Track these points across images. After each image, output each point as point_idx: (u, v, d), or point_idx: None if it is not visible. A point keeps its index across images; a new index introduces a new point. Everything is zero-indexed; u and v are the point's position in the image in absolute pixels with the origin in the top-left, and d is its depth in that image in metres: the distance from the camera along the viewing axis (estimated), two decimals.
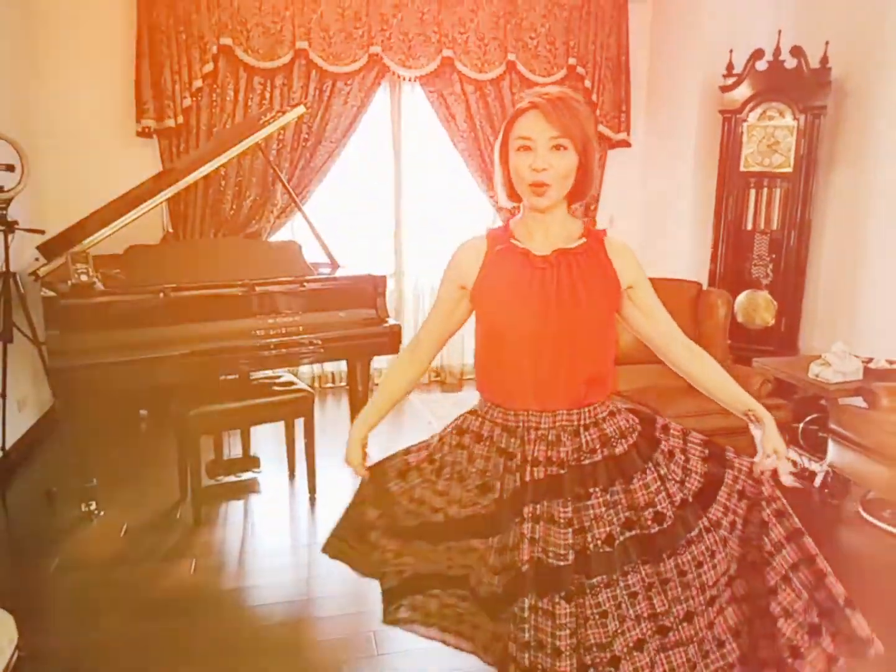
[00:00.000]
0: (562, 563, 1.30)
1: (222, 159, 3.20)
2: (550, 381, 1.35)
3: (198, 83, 4.04)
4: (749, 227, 4.11)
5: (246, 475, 3.32)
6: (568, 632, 1.27)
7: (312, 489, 3.20)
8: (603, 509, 1.33)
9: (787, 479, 1.41)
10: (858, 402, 3.18)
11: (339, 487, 3.31)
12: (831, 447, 3.17)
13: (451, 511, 1.46)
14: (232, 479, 3.29)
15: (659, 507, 1.35)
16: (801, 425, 3.55)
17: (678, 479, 1.39)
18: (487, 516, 1.40)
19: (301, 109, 3.41)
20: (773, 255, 4.07)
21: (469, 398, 1.55)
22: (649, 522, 1.34)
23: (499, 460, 1.39)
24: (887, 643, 2.25)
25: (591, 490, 1.34)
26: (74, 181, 3.99)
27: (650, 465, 1.38)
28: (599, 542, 1.32)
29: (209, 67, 4.04)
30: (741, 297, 4.14)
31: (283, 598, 2.48)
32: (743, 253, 4.15)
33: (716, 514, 1.39)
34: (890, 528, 2.91)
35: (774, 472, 1.41)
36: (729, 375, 1.49)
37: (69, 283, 2.83)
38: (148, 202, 3.09)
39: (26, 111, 3.85)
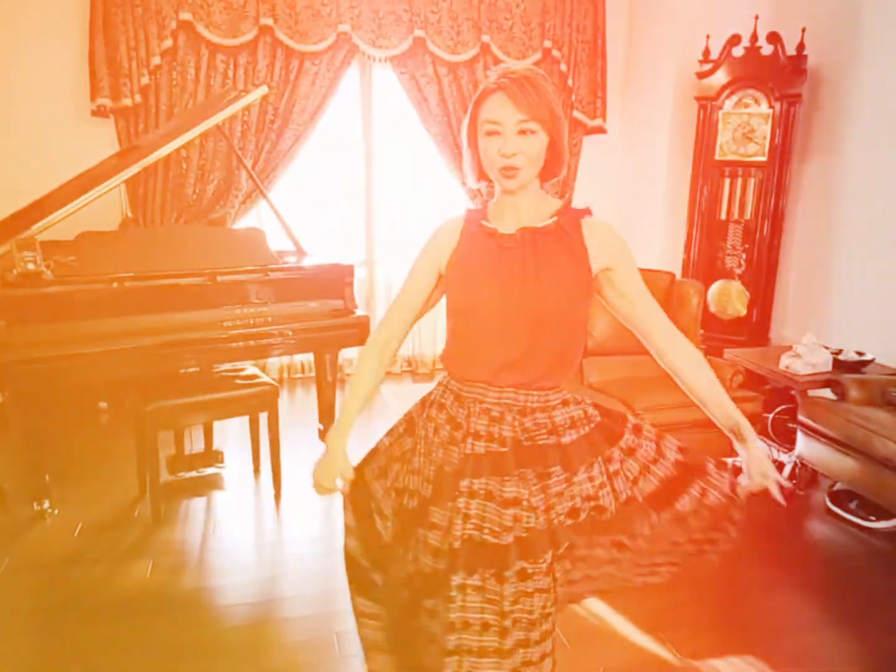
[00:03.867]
0: (497, 542, 1.26)
1: (180, 141, 3.06)
2: (507, 358, 1.33)
3: (156, 60, 3.85)
4: (723, 216, 4.09)
5: (209, 470, 3.23)
6: (497, 608, 1.24)
7: (277, 485, 3.11)
8: (550, 492, 1.30)
9: (780, 499, 1.38)
10: (828, 393, 3.19)
11: (305, 483, 3.23)
12: (800, 438, 3.18)
13: (424, 492, 1.37)
14: (194, 474, 3.19)
15: (601, 502, 1.32)
16: (771, 416, 3.55)
17: (632, 476, 1.35)
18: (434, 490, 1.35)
19: (264, 89, 3.27)
20: (747, 245, 4.05)
21: None
22: (592, 513, 1.32)
23: (446, 428, 1.37)
24: (851, 632, 2.29)
25: (538, 471, 1.31)
26: (25, 164, 3.80)
27: (600, 459, 1.34)
28: (542, 524, 1.29)
29: (168, 44, 3.86)
30: (714, 287, 4.12)
31: (245, 598, 2.41)
32: (716, 242, 4.13)
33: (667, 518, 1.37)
34: (856, 520, 2.93)
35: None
36: (716, 380, 1.39)
37: (14, 271, 2.69)
38: (101, 185, 2.95)
39: None
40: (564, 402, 1.37)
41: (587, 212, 1.37)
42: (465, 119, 1.36)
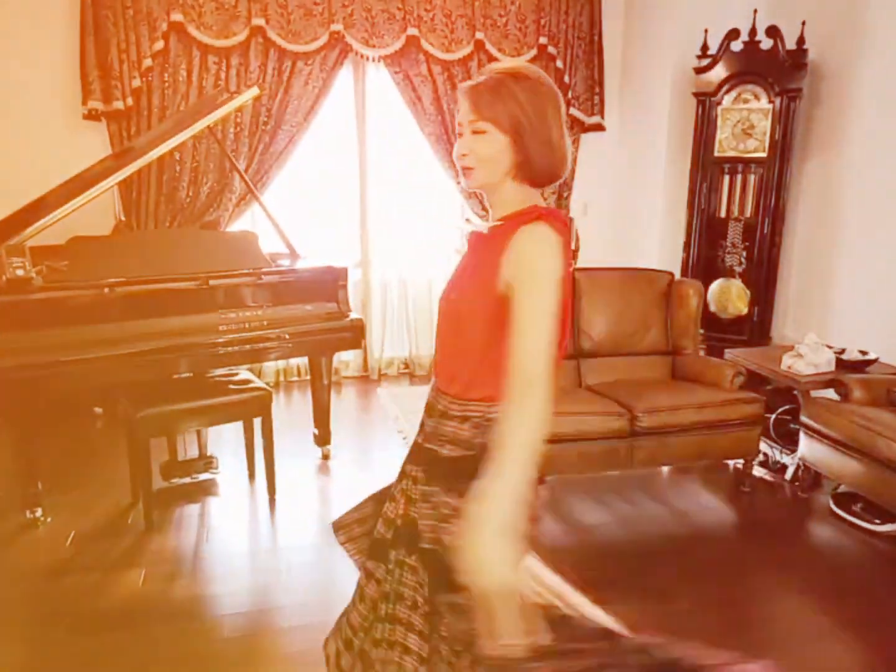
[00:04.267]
0: (422, 530, 1.28)
1: (170, 145, 3.03)
2: (437, 358, 1.38)
3: (147, 62, 3.82)
4: (723, 214, 4.03)
5: (203, 476, 3.19)
6: (427, 590, 1.25)
7: (272, 491, 3.07)
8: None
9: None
10: (831, 394, 3.13)
11: (301, 488, 3.20)
12: (803, 440, 3.13)
13: None
14: (188, 480, 3.15)
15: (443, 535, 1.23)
16: (773, 417, 3.49)
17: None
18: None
19: (255, 91, 3.24)
20: (747, 243, 3.99)
21: None
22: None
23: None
24: (857, 638, 2.23)
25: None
26: (17, 169, 3.75)
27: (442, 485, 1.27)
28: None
29: (159, 45, 3.82)
30: (714, 286, 4.07)
31: (238, 608, 2.37)
32: (716, 241, 4.07)
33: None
34: (860, 523, 2.87)
35: None
36: (511, 457, 1.08)
37: (4, 278, 2.65)
38: (90, 190, 2.91)
39: None
40: (463, 419, 1.26)
41: (541, 218, 1.20)
42: None
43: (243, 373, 3.16)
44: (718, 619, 2.33)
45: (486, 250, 1.25)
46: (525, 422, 1.08)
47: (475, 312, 1.23)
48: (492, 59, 4.34)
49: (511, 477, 1.05)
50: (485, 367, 1.24)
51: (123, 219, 4.02)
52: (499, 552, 1.02)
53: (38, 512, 2.83)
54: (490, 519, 1.03)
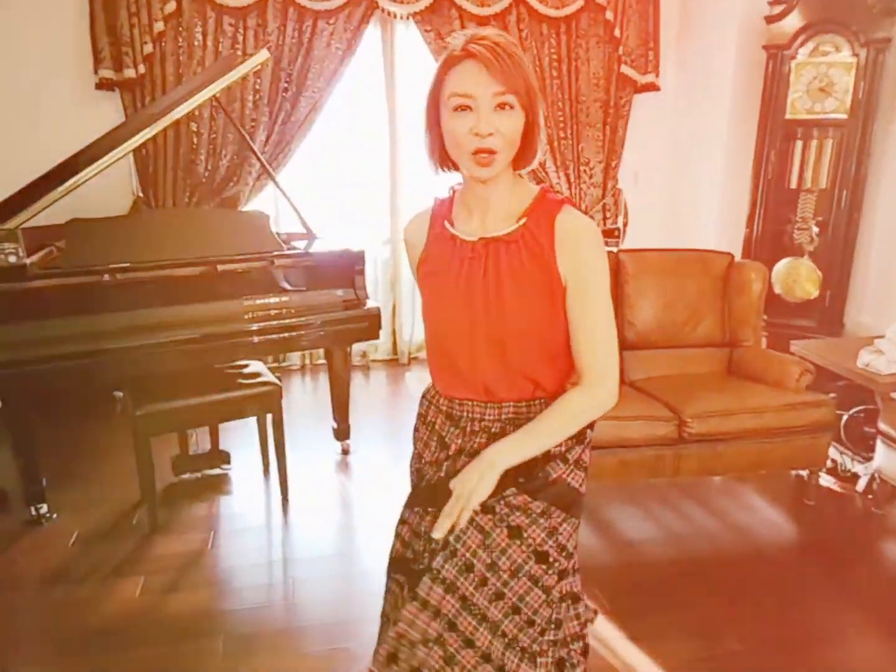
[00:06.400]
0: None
1: (175, 115, 2.81)
2: (489, 375, 1.21)
3: (159, 26, 3.57)
4: (793, 184, 3.57)
5: (214, 472, 3.03)
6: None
7: (285, 493, 2.87)
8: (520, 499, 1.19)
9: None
10: None
11: (317, 489, 2.98)
12: (880, 449, 2.73)
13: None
14: (198, 476, 2.99)
15: None
16: (845, 417, 3.09)
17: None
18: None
19: (264, 54, 2.95)
20: (820, 218, 3.54)
21: None
22: None
23: (435, 448, 1.29)
24: None
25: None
26: (29, 143, 3.58)
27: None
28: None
29: (171, 7, 3.57)
30: (780, 266, 3.64)
31: (242, 627, 2.17)
32: (784, 215, 3.62)
33: None
34: None
35: None
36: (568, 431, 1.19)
37: None
38: (91, 167, 2.73)
39: None
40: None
41: (565, 203, 1.16)
42: (427, 95, 1.14)
43: (254, 364, 2.94)
44: (774, 663, 2.02)
45: (516, 255, 1.14)
46: (587, 408, 1.17)
47: (547, 316, 1.16)
48: (532, 13, 3.93)
49: (541, 441, 1.16)
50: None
51: (141, 195, 3.84)
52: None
53: (43, 508, 2.72)
54: (499, 460, 1.12)
